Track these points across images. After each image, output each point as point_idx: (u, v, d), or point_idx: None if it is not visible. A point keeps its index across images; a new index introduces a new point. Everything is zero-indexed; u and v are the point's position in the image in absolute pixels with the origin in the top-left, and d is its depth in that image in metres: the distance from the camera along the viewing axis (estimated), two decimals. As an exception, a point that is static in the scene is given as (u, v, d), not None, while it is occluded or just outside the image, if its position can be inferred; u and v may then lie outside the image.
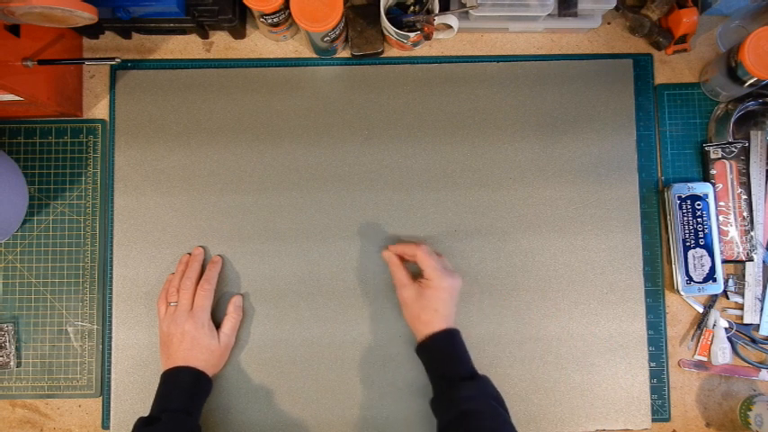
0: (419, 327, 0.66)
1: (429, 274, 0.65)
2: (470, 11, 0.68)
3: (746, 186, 0.73)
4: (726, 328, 0.72)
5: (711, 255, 0.71)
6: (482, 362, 0.72)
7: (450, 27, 0.70)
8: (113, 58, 0.66)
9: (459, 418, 0.59)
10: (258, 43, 0.75)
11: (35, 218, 0.73)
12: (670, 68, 0.76)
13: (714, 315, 0.72)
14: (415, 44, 0.73)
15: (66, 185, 0.74)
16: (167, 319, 0.68)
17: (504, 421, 0.60)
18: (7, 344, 0.71)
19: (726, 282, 0.73)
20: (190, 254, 0.72)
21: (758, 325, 0.73)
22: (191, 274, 0.70)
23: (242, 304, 0.72)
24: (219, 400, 0.71)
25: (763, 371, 0.72)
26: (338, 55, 0.75)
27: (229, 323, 0.70)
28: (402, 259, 0.69)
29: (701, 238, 0.71)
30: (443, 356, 0.65)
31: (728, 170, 0.73)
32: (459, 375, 0.63)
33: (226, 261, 0.73)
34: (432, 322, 0.65)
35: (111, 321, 0.72)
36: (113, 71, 0.75)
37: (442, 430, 0.62)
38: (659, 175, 0.75)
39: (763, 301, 0.73)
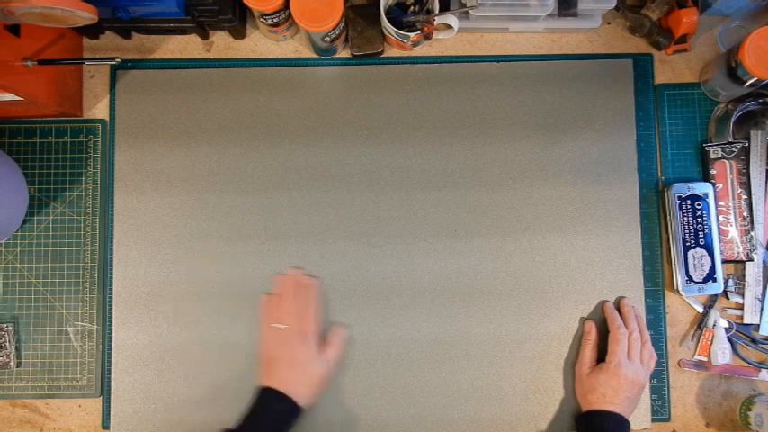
0: (584, 404, 0.68)
1: (610, 358, 0.67)
2: (470, 11, 0.68)
3: (746, 186, 0.73)
4: (726, 328, 0.72)
5: (711, 255, 0.71)
6: (482, 362, 0.72)
7: (450, 27, 0.70)
8: (113, 58, 0.66)
9: None
10: (258, 43, 0.75)
11: (35, 218, 0.73)
12: (670, 68, 0.76)
13: (714, 315, 0.72)
14: (415, 44, 0.73)
15: (66, 185, 0.74)
16: (275, 341, 0.67)
17: None
18: (7, 344, 0.71)
19: (726, 282, 0.73)
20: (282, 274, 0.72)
21: (758, 325, 0.73)
22: (299, 296, 0.69)
23: (346, 337, 0.71)
24: (219, 401, 0.71)
25: (763, 371, 0.72)
26: (338, 55, 0.75)
27: (333, 354, 0.69)
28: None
29: (701, 238, 0.71)
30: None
31: (728, 170, 0.73)
32: None
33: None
34: (594, 404, 0.66)
35: (111, 321, 0.72)
36: (113, 71, 0.75)
37: None
38: (659, 175, 0.75)
39: (763, 301, 0.73)
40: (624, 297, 0.72)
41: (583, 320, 0.72)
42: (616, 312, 0.71)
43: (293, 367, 0.65)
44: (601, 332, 0.71)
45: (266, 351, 0.68)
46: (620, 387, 0.65)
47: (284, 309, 0.69)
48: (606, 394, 0.65)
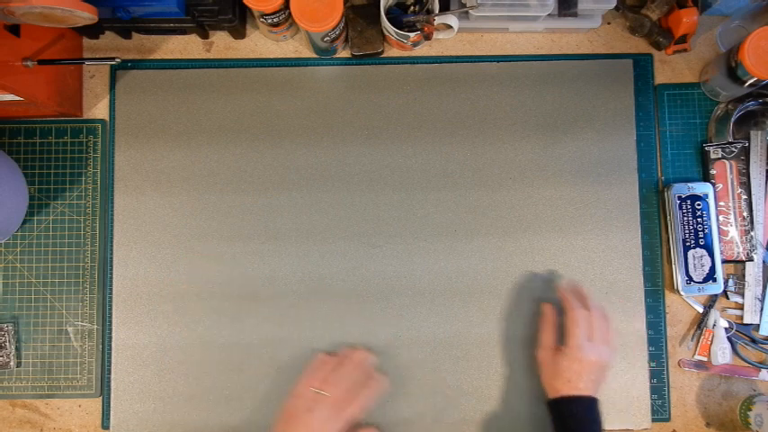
0: (550, 391, 0.66)
1: (569, 342, 0.65)
2: (470, 11, 0.68)
3: (746, 186, 0.73)
4: (726, 328, 0.72)
5: (711, 255, 0.71)
6: (482, 362, 0.72)
7: (450, 27, 0.70)
8: (113, 58, 0.66)
9: None
10: (258, 43, 0.75)
11: (35, 218, 0.73)
12: (670, 68, 0.76)
13: (714, 315, 0.72)
14: (415, 44, 0.73)
15: (66, 185, 0.74)
16: (306, 403, 0.63)
17: None
18: (7, 344, 0.71)
19: (726, 282, 0.73)
20: (353, 346, 0.70)
21: (758, 325, 0.73)
22: (357, 374, 0.66)
23: None
24: (220, 401, 0.71)
25: (763, 371, 0.72)
26: (338, 55, 0.75)
27: None
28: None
29: (701, 238, 0.71)
30: (575, 423, 0.63)
31: (728, 170, 0.73)
32: None
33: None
34: (561, 390, 0.64)
35: (111, 321, 0.72)
36: (113, 71, 0.75)
37: None
38: (659, 175, 0.75)
39: (763, 301, 0.73)
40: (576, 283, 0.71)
41: (541, 303, 0.71)
42: (571, 293, 0.69)
43: None
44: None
45: (292, 408, 0.63)
46: (584, 370, 0.64)
47: (335, 378, 0.65)
48: (571, 379, 0.64)
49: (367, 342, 0.72)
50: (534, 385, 0.72)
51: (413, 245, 0.73)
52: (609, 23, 0.76)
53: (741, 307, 0.73)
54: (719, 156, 0.73)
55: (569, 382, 0.64)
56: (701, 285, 0.71)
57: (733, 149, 0.73)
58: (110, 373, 0.72)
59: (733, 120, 0.73)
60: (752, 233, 0.72)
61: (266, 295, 0.72)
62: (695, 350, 0.73)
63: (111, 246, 0.73)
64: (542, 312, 0.70)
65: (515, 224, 0.73)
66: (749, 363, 0.73)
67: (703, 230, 0.71)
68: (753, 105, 0.74)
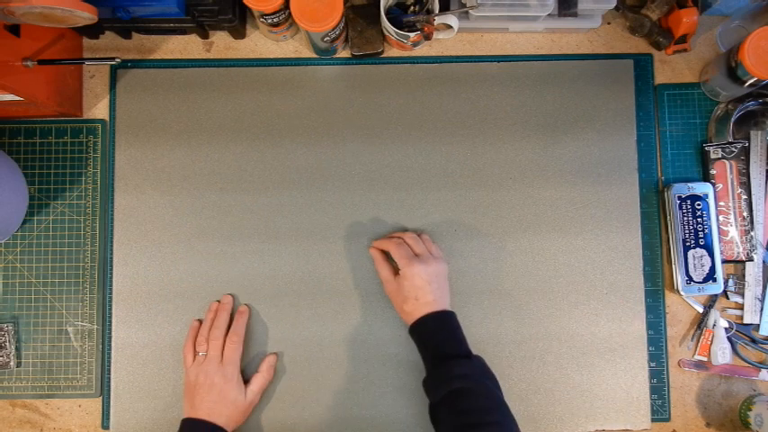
0: (406, 318, 0.67)
1: (401, 264, 0.66)
2: (470, 11, 0.68)
3: (746, 186, 0.73)
4: (726, 328, 0.72)
5: (711, 255, 0.71)
6: (482, 362, 0.72)
7: (450, 27, 0.70)
8: (113, 58, 0.66)
9: (450, 396, 0.59)
10: (258, 43, 0.75)
11: (35, 218, 0.73)
12: (670, 68, 0.76)
13: (714, 315, 0.72)
14: (415, 44, 0.73)
15: (66, 185, 0.74)
16: (195, 369, 0.67)
17: (497, 400, 0.60)
18: (7, 344, 0.71)
19: (726, 282, 0.73)
20: (218, 301, 0.72)
21: (758, 325, 0.73)
22: (220, 323, 0.69)
23: (275, 364, 0.71)
24: (219, 400, 0.71)
25: (763, 371, 0.72)
26: (338, 55, 0.75)
27: (259, 381, 0.69)
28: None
29: (701, 238, 0.71)
30: (433, 337, 0.64)
31: (728, 170, 0.73)
32: (449, 354, 0.62)
33: (252, 312, 0.72)
34: (414, 312, 0.65)
35: (111, 321, 0.72)
36: (113, 71, 0.75)
37: (433, 409, 0.61)
38: (659, 175, 0.75)
39: (763, 301, 0.73)
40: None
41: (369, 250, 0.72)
42: (381, 240, 0.71)
43: (213, 394, 0.65)
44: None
45: (187, 378, 0.68)
46: (424, 282, 0.65)
47: (202, 335, 0.69)
48: (418, 296, 0.65)
49: (367, 342, 0.72)
50: (534, 385, 0.72)
51: (413, 245, 0.73)
52: (609, 23, 0.76)
53: (741, 307, 0.73)
54: (719, 156, 0.73)
55: (417, 299, 0.65)
56: (701, 285, 0.71)
57: (733, 149, 0.73)
58: (110, 373, 0.72)
59: (733, 120, 0.73)
60: (752, 233, 0.72)
61: (266, 294, 0.72)
62: (695, 350, 0.73)
63: (112, 245, 0.73)
64: (372, 258, 0.71)
65: (515, 224, 0.73)
66: (749, 363, 0.73)
67: (703, 230, 0.71)
68: (753, 105, 0.74)
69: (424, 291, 0.65)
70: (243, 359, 0.70)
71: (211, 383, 0.66)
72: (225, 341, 0.69)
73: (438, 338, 0.64)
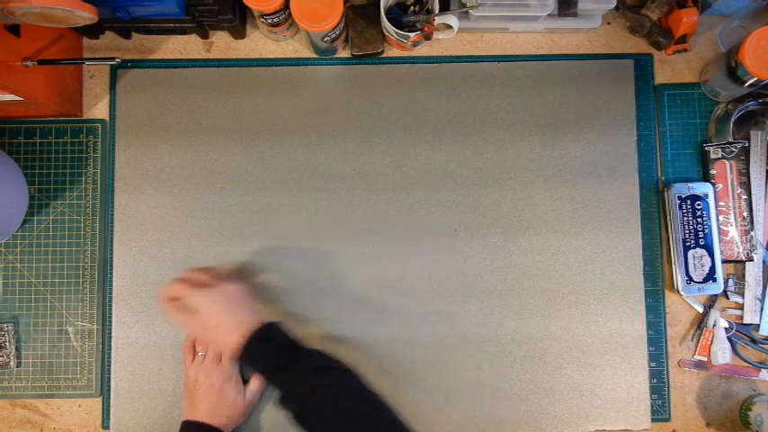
0: (226, 348, 0.61)
1: (186, 303, 0.62)
2: (470, 11, 0.68)
3: (746, 186, 0.73)
4: (726, 328, 0.72)
5: (711, 255, 0.71)
6: (482, 362, 0.72)
7: (450, 27, 0.70)
8: (113, 58, 0.66)
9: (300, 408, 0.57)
10: (258, 43, 0.75)
11: (35, 218, 0.73)
12: (670, 68, 0.76)
13: (714, 315, 0.72)
14: (415, 44, 0.73)
15: (66, 185, 0.74)
16: (194, 369, 0.67)
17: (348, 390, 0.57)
18: (7, 344, 0.71)
19: (726, 282, 0.73)
20: None
21: (758, 325, 0.73)
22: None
23: None
24: (219, 400, 0.71)
25: (763, 371, 0.72)
26: (338, 55, 0.75)
27: (258, 381, 0.69)
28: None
29: (701, 238, 0.71)
30: (267, 355, 0.60)
31: (728, 170, 0.73)
32: (291, 361, 0.59)
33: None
34: (229, 338, 0.60)
35: (111, 321, 0.72)
36: (113, 71, 0.75)
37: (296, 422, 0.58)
38: (659, 175, 0.75)
39: (763, 301, 0.73)
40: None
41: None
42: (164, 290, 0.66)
43: (212, 395, 0.65)
44: None
45: (186, 378, 0.68)
46: (220, 307, 0.62)
47: (204, 335, 0.66)
48: (221, 323, 0.61)
49: (366, 341, 0.72)
50: (534, 385, 0.72)
51: (413, 245, 0.73)
52: (609, 23, 0.76)
53: (741, 307, 0.73)
54: (719, 156, 0.73)
55: (216, 328, 0.61)
56: (701, 285, 0.71)
57: (733, 149, 0.73)
58: (110, 373, 0.72)
59: (733, 120, 0.73)
60: (752, 233, 0.72)
61: (266, 294, 0.72)
62: (695, 350, 0.73)
63: (111, 245, 0.73)
64: (165, 313, 0.66)
65: (515, 224, 0.73)
66: (749, 363, 0.73)
67: (703, 230, 0.71)
68: (753, 105, 0.74)
69: (225, 315, 0.61)
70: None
71: (210, 384, 0.66)
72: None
73: (270, 354, 0.60)
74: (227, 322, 0.61)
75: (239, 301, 0.63)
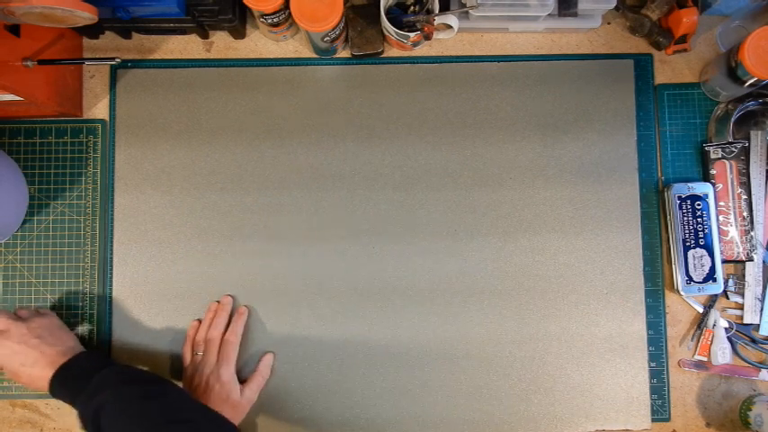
0: (35, 387, 0.61)
1: None
2: (470, 11, 0.68)
3: (746, 186, 0.73)
4: (726, 328, 0.72)
5: (711, 255, 0.71)
6: (482, 362, 0.72)
7: (450, 27, 0.70)
8: (113, 58, 0.66)
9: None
10: (258, 43, 0.75)
11: (35, 218, 0.73)
12: (670, 68, 0.76)
13: (714, 315, 0.72)
14: (415, 44, 0.73)
15: (66, 185, 0.74)
16: (192, 369, 0.68)
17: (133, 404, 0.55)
18: (7, 344, 0.71)
19: (726, 282, 0.73)
20: (218, 302, 0.72)
21: (758, 325, 0.73)
22: (218, 324, 0.69)
23: (272, 363, 0.71)
24: (219, 400, 0.71)
25: (763, 371, 0.72)
26: (338, 55, 0.75)
27: (256, 381, 0.69)
28: None
29: (701, 238, 0.71)
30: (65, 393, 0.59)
31: (728, 170, 0.73)
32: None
33: (252, 312, 0.72)
34: (39, 378, 0.60)
35: (111, 321, 0.72)
36: (113, 71, 0.75)
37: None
38: (659, 175, 0.75)
39: (763, 301, 0.73)
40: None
41: None
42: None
43: (209, 394, 0.65)
44: None
45: (184, 378, 0.68)
46: (21, 345, 0.61)
47: (200, 336, 0.69)
48: (25, 362, 0.60)
49: (367, 342, 0.72)
50: (534, 385, 0.72)
51: (413, 245, 0.73)
52: (609, 23, 0.76)
53: (741, 307, 0.73)
54: (719, 156, 0.73)
55: (25, 365, 0.60)
56: (701, 285, 0.71)
57: (733, 149, 0.73)
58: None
59: (733, 120, 0.73)
60: (752, 233, 0.72)
61: (266, 294, 0.72)
62: (695, 350, 0.73)
63: (112, 245, 0.73)
64: None
65: (515, 224, 0.73)
66: (749, 363, 0.73)
67: (703, 230, 0.71)
68: (753, 105, 0.74)
69: (26, 354, 0.61)
70: (241, 359, 0.70)
71: (207, 383, 0.66)
72: (222, 341, 0.69)
73: (73, 384, 0.59)
74: (33, 360, 0.60)
75: (44, 334, 0.63)
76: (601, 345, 0.72)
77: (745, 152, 0.73)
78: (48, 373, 0.60)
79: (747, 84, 0.68)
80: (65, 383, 0.60)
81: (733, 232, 0.72)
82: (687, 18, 0.70)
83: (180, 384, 0.68)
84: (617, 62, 0.75)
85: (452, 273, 0.73)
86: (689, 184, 0.72)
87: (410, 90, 0.74)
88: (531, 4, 0.67)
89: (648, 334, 0.73)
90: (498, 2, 0.67)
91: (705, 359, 0.73)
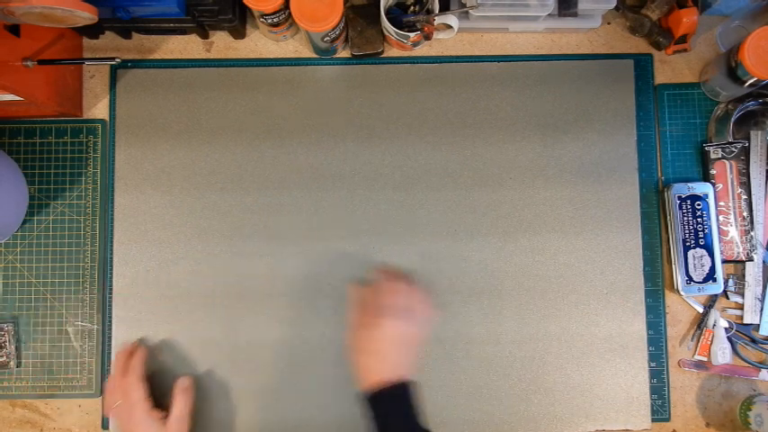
0: (362, 375, 0.60)
1: (377, 312, 0.60)
2: (470, 11, 0.68)
3: (746, 186, 0.73)
4: (726, 328, 0.72)
5: (711, 255, 0.71)
6: (482, 362, 0.72)
7: (450, 27, 0.70)
8: (113, 58, 0.66)
9: None
10: (258, 43, 0.75)
11: (35, 218, 0.73)
12: (670, 68, 0.76)
13: (714, 315, 0.72)
14: (415, 44, 0.73)
15: (66, 185, 0.74)
16: (114, 421, 0.68)
17: None
18: (7, 344, 0.71)
19: (726, 282, 0.73)
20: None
21: (758, 325, 0.73)
22: (119, 369, 0.68)
23: (190, 385, 0.69)
24: (219, 401, 0.71)
25: (763, 371, 0.72)
26: (338, 55, 0.75)
27: (177, 408, 0.66)
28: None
29: (701, 238, 0.71)
30: (388, 413, 0.58)
31: (728, 170, 0.73)
32: None
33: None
34: (371, 372, 0.59)
35: (111, 321, 0.72)
36: (113, 71, 0.75)
37: None
38: (659, 175, 0.75)
39: (763, 301, 0.73)
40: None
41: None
42: (384, 272, 0.66)
43: None
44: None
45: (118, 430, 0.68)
46: (388, 339, 0.59)
47: (109, 387, 0.68)
48: (381, 351, 0.59)
49: (367, 342, 0.72)
50: (534, 385, 0.72)
51: (413, 245, 0.73)
52: (609, 23, 0.76)
53: (741, 307, 0.73)
54: (719, 156, 0.73)
55: (377, 354, 0.59)
56: (701, 285, 0.71)
57: (733, 149, 0.73)
58: (110, 374, 0.72)
59: (733, 120, 0.73)
60: (752, 233, 0.72)
61: (266, 294, 0.72)
62: (695, 350, 0.73)
63: (112, 245, 0.73)
64: (348, 294, 0.66)
65: (515, 224, 0.73)
66: (749, 363, 0.73)
67: (703, 230, 0.71)
68: (753, 105, 0.74)
69: (387, 350, 0.59)
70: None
71: (126, 430, 0.65)
72: (125, 385, 0.66)
73: (394, 415, 0.58)
74: (388, 360, 0.59)
75: (412, 348, 0.61)
76: (601, 345, 0.72)
77: (745, 152, 0.73)
78: (381, 377, 0.58)
79: (747, 84, 0.68)
80: (382, 410, 0.58)
81: (733, 232, 0.72)
82: (687, 18, 0.70)
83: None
84: (617, 62, 0.75)
85: (452, 273, 0.73)
86: (689, 184, 0.72)
87: (410, 90, 0.74)
88: (531, 4, 0.67)
89: (648, 334, 0.73)
90: (498, 2, 0.67)
91: (705, 359, 0.73)
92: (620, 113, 0.75)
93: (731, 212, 0.73)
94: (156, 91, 0.74)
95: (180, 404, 0.67)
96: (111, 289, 0.73)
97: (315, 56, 0.75)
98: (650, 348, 0.73)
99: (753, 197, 0.73)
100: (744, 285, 0.73)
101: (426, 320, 0.64)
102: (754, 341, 0.73)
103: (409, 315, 0.61)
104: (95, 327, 0.72)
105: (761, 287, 0.73)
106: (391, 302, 0.61)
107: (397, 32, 0.68)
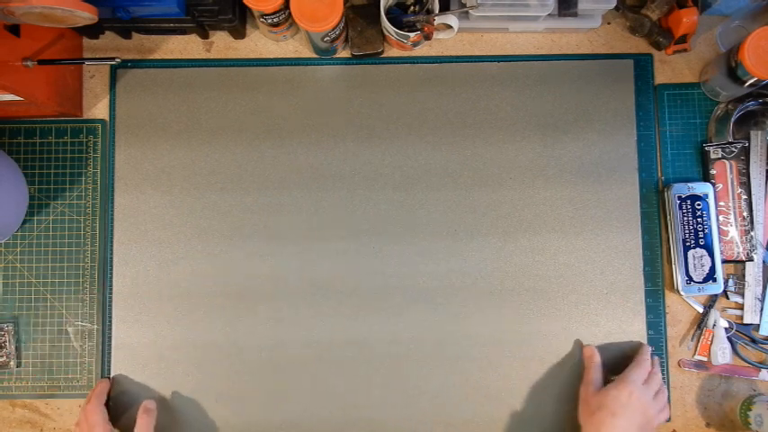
0: (589, 427, 0.64)
1: (624, 375, 0.66)
2: (470, 11, 0.68)
3: (746, 186, 0.73)
4: (726, 328, 0.72)
5: (711, 255, 0.71)
6: (482, 362, 0.72)
7: (450, 27, 0.70)
8: (113, 58, 0.66)
9: None
10: (258, 43, 0.75)
11: (35, 218, 0.73)
12: (670, 68, 0.76)
13: (714, 315, 0.72)
14: (415, 44, 0.73)
15: (66, 185, 0.74)
16: None
17: None
18: (7, 344, 0.71)
19: (726, 282, 0.73)
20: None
21: (758, 325, 0.73)
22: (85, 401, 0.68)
23: (154, 407, 0.69)
24: (220, 401, 0.71)
25: (763, 371, 0.72)
26: (338, 55, 0.75)
27: (143, 427, 0.67)
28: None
29: (701, 238, 0.71)
30: None
31: (728, 170, 0.73)
32: None
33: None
34: (603, 425, 0.62)
35: (111, 321, 0.72)
36: (113, 71, 0.75)
37: None
38: (659, 175, 0.75)
39: (763, 301, 0.73)
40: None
41: (579, 344, 0.72)
42: (648, 348, 0.71)
43: None
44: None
45: None
46: (631, 406, 0.62)
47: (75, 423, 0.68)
48: (616, 412, 0.62)
49: (367, 342, 0.72)
50: (532, 385, 0.72)
51: (413, 245, 0.73)
52: (609, 23, 0.76)
53: (741, 307, 0.73)
54: (719, 156, 0.73)
55: (614, 415, 0.62)
56: (701, 285, 0.71)
57: (733, 149, 0.73)
58: (110, 374, 0.72)
59: (733, 120, 0.73)
60: (752, 233, 0.72)
61: (266, 294, 0.72)
62: (695, 350, 0.73)
63: (112, 245, 0.73)
64: (586, 355, 0.70)
65: (515, 224, 0.73)
66: (749, 363, 0.73)
67: (703, 230, 0.71)
68: (753, 105, 0.74)
69: (625, 412, 0.62)
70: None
71: None
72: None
73: None
74: (620, 421, 0.62)
75: (647, 429, 0.63)
76: (601, 345, 0.72)
77: (745, 152, 0.73)
78: None
79: (747, 84, 0.68)
80: None
81: (733, 232, 0.72)
82: (687, 18, 0.70)
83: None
84: (617, 62, 0.75)
85: (452, 273, 0.73)
86: (689, 184, 0.72)
87: (410, 90, 0.74)
88: (531, 4, 0.67)
89: (648, 334, 0.73)
90: (498, 2, 0.67)
91: (705, 359, 0.73)
92: (620, 113, 0.75)
93: (731, 212, 0.73)
94: (156, 91, 0.74)
95: (143, 423, 0.67)
96: (111, 289, 0.73)
97: (315, 56, 0.75)
98: (650, 348, 0.73)
99: (753, 197, 0.73)
100: (744, 285, 0.73)
101: (662, 409, 0.67)
102: (754, 341, 0.73)
103: (656, 399, 0.66)
104: (95, 327, 0.72)
105: (761, 287, 0.73)
106: (646, 379, 0.66)
107: (397, 32, 0.68)
